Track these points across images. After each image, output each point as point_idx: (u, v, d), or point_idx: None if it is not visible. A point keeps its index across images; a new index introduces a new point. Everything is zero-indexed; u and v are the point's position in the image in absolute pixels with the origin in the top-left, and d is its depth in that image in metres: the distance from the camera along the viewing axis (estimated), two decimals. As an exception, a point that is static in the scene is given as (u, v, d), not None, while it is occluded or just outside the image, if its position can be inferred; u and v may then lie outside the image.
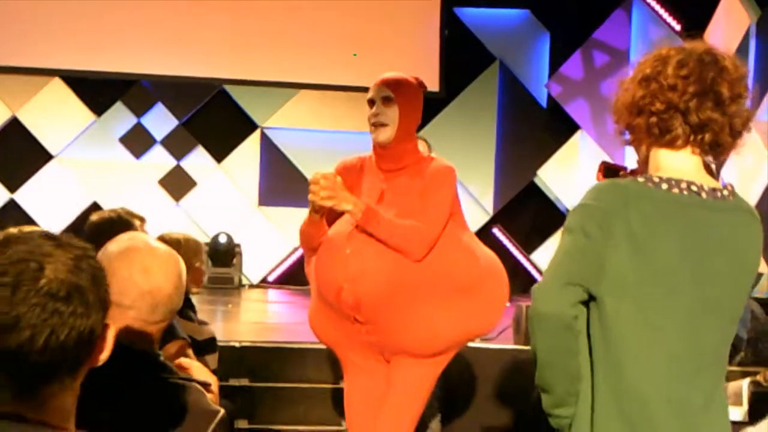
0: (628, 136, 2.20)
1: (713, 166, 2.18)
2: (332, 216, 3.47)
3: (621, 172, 2.49)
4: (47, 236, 1.40)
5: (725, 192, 2.12)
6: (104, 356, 1.42)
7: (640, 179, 2.08)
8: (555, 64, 11.14)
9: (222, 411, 1.98)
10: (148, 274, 1.95)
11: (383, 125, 3.43)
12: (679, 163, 2.11)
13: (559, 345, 2.05)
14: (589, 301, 2.07)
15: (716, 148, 2.11)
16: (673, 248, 2.04)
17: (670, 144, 2.10)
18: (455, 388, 6.11)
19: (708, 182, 2.11)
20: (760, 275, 8.80)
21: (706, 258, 2.07)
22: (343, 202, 3.31)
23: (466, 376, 6.16)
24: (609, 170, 2.50)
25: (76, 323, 1.35)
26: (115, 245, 2.00)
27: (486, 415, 6.09)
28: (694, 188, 2.07)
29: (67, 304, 1.34)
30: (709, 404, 2.09)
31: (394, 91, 3.48)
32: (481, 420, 6.07)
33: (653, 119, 2.09)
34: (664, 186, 2.06)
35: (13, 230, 3.31)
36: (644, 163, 2.17)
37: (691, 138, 2.08)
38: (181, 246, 3.65)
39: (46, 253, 1.36)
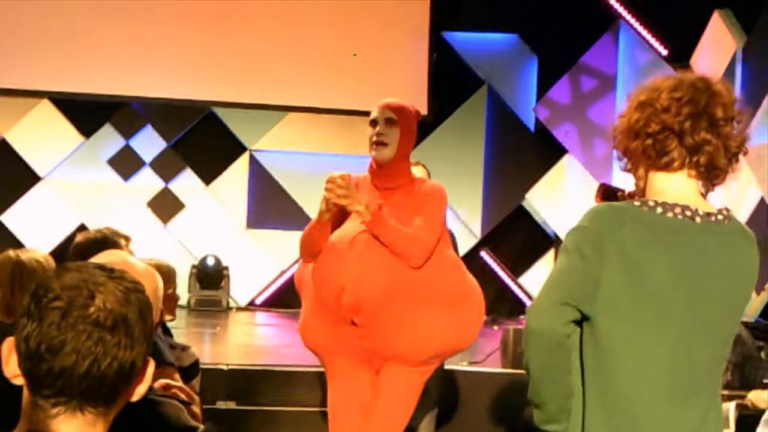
0: (625, 163, 2.25)
1: (703, 191, 2.23)
2: (334, 224, 3.66)
3: (619, 194, 2.59)
4: (102, 267, 1.44)
5: (720, 216, 2.16)
6: (142, 390, 1.45)
7: (636, 203, 2.13)
8: (543, 88, 11.19)
9: (201, 427, 1.98)
10: None
11: (384, 144, 3.68)
12: (675, 187, 2.15)
13: (551, 362, 2.10)
14: (583, 320, 2.12)
15: (712, 171, 2.15)
16: (667, 271, 2.08)
17: (667, 167, 2.14)
18: (444, 411, 6.10)
19: (703, 207, 2.15)
20: (746, 299, 8.82)
21: (700, 281, 2.11)
22: (356, 203, 3.53)
23: (454, 400, 6.15)
24: (608, 192, 2.57)
25: (118, 354, 1.38)
26: (95, 260, 2.01)
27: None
28: (688, 213, 2.11)
29: (112, 334, 1.38)
30: (703, 425, 2.12)
31: (396, 114, 3.74)
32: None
33: (649, 141, 2.13)
34: (659, 210, 2.10)
35: (11, 252, 3.31)
36: (642, 187, 2.21)
37: (687, 160, 2.13)
38: (162, 273, 3.64)
39: (98, 283, 1.40)
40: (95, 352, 1.36)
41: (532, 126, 11.35)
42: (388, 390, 3.61)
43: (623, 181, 2.44)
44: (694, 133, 2.11)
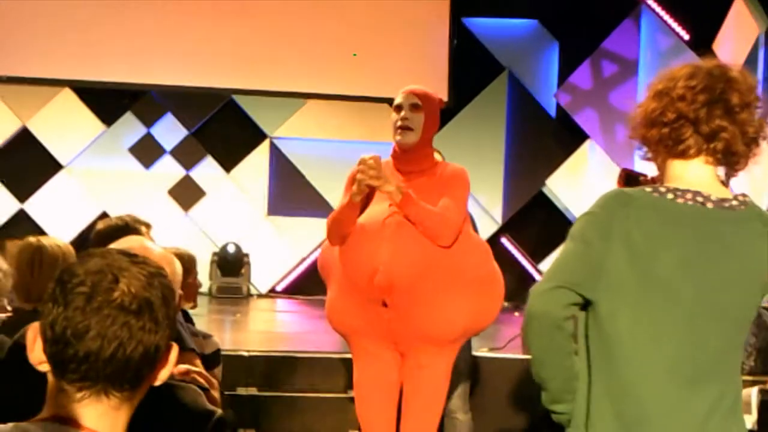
0: (645, 152, 2.27)
1: (724, 178, 2.23)
2: (360, 208, 3.76)
3: (641, 179, 2.68)
4: (125, 253, 1.46)
5: (735, 202, 2.15)
6: (165, 374, 1.46)
7: (648, 189, 2.15)
8: (564, 74, 11.14)
9: (219, 411, 1.99)
10: None
11: (410, 129, 3.76)
12: (692, 174, 2.16)
13: (550, 344, 2.15)
14: (587, 305, 2.15)
15: (730, 157, 2.16)
16: (674, 257, 2.10)
17: (683, 154, 2.15)
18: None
19: (717, 193, 2.14)
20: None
21: (710, 266, 2.11)
22: (387, 183, 3.63)
23: (475, 386, 6.15)
24: (630, 177, 2.67)
25: (143, 338, 1.39)
26: (114, 245, 2.02)
27: (496, 424, 6.07)
28: (699, 198, 2.12)
29: (137, 318, 1.39)
30: (714, 412, 2.11)
31: (421, 100, 3.83)
32: (491, 429, 6.06)
33: (665, 130, 2.15)
34: (669, 196, 2.12)
35: (31, 239, 3.33)
36: (661, 175, 2.23)
37: (704, 147, 2.14)
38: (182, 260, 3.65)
39: (122, 268, 1.42)
40: (120, 337, 1.37)
41: (553, 112, 11.30)
42: (422, 376, 3.73)
43: (645, 166, 2.45)
44: (710, 121, 2.12)
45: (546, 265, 11.08)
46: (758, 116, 2.18)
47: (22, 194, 10.70)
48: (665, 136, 2.16)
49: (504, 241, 11.18)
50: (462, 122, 11.09)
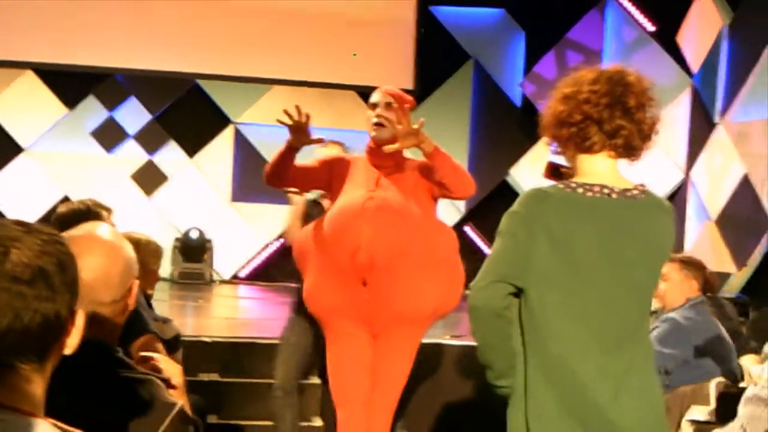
0: (555, 147, 2.59)
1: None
2: (334, 196, 4.06)
3: (563, 170, 2.81)
4: (18, 223, 1.42)
5: (635, 191, 2.48)
6: (73, 342, 1.42)
7: (560, 185, 2.46)
8: (529, 64, 11.19)
9: (180, 403, 1.97)
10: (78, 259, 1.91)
11: (384, 126, 3.99)
12: (597, 167, 2.49)
13: (492, 330, 2.46)
14: (519, 291, 2.45)
15: (629, 151, 2.49)
16: (589, 243, 2.41)
17: (589, 150, 2.47)
18: (427, 384, 6.13)
19: (620, 184, 2.47)
20: (728, 275, 8.89)
21: (621, 248, 2.44)
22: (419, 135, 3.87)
23: (437, 373, 6.17)
24: (554, 169, 2.84)
25: (40, 306, 1.36)
26: (66, 233, 1.99)
27: (459, 408, 6.11)
28: (605, 191, 2.44)
29: (30, 287, 1.35)
30: (631, 370, 2.44)
31: (395, 99, 4.06)
32: (454, 414, 6.09)
33: (573, 129, 2.46)
34: (580, 190, 2.43)
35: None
36: (572, 168, 2.55)
37: (607, 143, 2.46)
38: (141, 246, 3.64)
39: (13, 238, 1.38)
40: (15, 307, 1.34)
41: (518, 101, 11.35)
42: (391, 349, 3.99)
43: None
44: (611, 120, 2.43)
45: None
46: (651, 115, 2.49)
47: (-19, 177, 10.59)
48: (574, 134, 2.47)
49: (467, 230, 11.22)
50: (427, 110, 11.09)
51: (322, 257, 4.01)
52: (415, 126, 3.83)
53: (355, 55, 10.67)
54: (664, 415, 2.56)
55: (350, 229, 3.88)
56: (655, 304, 4.67)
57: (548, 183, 2.76)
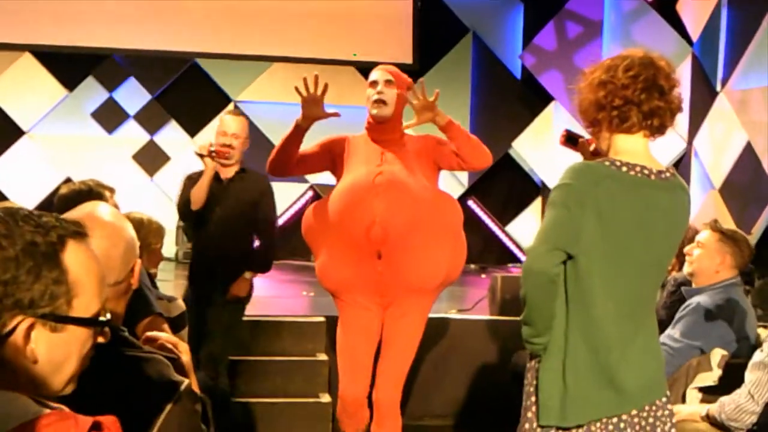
0: (592, 129, 2.80)
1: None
2: (339, 174, 4.24)
3: (580, 140, 3.15)
4: None
5: (667, 174, 2.74)
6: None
7: (606, 162, 2.69)
8: (528, 36, 11.14)
9: (186, 381, 1.97)
10: None
11: (384, 103, 4.16)
12: (633, 146, 2.72)
13: (543, 293, 2.68)
14: (568, 258, 2.67)
15: (661, 129, 2.73)
16: (629, 218, 2.67)
17: (628, 130, 2.71)
18: (434, 359, 6.15)
19: (656, 166, 2.73)
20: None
21: (652, 225, 2.70)
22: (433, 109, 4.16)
23: (444, 348, 6.19)
24: (570, 137, 3.14)
25: None
26: (66, 214, 1.99)
27: (464, 383, 6.14)
28: (645, 171, 2.69)
29: None
30: (638, 334, 2.76)
31: (394, 77, 4.24)
32: (460, 388, 6.12)
33: (614, 113, 2.69)
34: (624, 169, 2.67)
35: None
36: (606, 147, 2.77)
37: (644, 124, 2.69)
38: (143, 226, 3.66)
39: None
40: None
41: (518, 73, 11.31)
42: (404, 318, 4.19)
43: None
44: (650, 101, 2.67)
45: (512, 227, 11.15)
46: (678, 94, 2.73)
47: (-17, 161, 10.59)
48: (614, 117, 2.69)
49: (470, 203, 11.21)
50: (427, 85, 11.05)
51: (334, 233, 4.16)
52: (431, 99, 4.02)
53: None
54: (663, 374, 2.86)
55: (363, 205, 4.04)
56: (686, 268, 4.59)
57: (563, 151, 3.21)
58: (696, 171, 9.99)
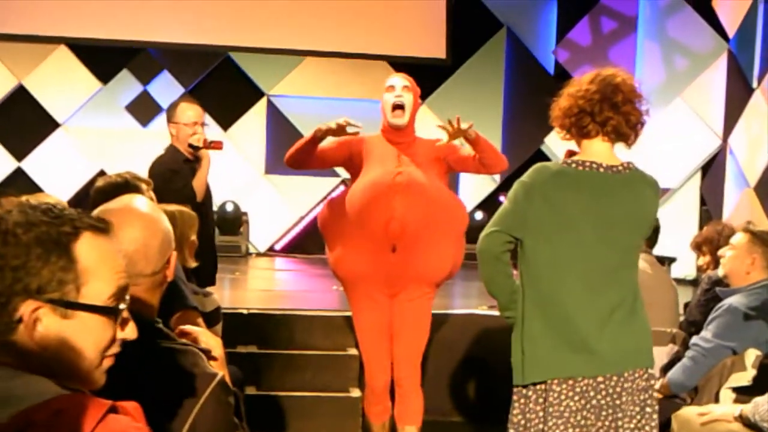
0: (563, 134, 3.28)
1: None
2: (355, 172, 4.58)
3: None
4: None
5: (620, 167, 3.19)
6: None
7: (560, 162, 3.23)
8: (562, 31, 11.07)
9: (220, 374, 1.97)
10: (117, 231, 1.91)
11: (402, 108, 4.51)
12: (594, 149, 3.20)
13: (493, 270, 3.23)
14: (518, 242, 3.18)
15: (619, 136, 3.18)
16: (577, 205, 3.12)
17: (587, 135, 3.20)
18: (464, 355, 6.14)
19: (609, 161, 3.18)
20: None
21: (603, 211, 3.14)
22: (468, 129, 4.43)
23: (473, 344, 6.18)
24: (572, 155, 3.48)
25: None
26: (104, 206, 2.00)
27: (497, 380, 6.12)
28: (594, 166, 3.15)
29: None
30: (616, 310, 3.15)
31: (410, 82, 4.61)
32: (492, 384, 6.10)
33: (573, 119, 3.19)
34: (573, 165, 3.16)
35: (23, 198, 3.32)
36: (578, 149, 3.25)
37: (600, 130, 3.16)
38: (177, 218, 3.65)
39: None
40: None
41: (551, 69, 11.24)
42: (414, 306, 4.53)
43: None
44: (601, 113, 3.14)
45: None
46: (641, 108, 3.18)
47: (19, 152, 10.67)
48: (573, 123, 3.19)
49: (502, 199, 11.17)
50: (460, 80, 11.05)
51: (353, 227, 4.49)
52: (464, 126, 4.34)
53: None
54: (645, 348, 3.22)
55: (383, 202, 4.38)
56: (720, 271, 4.58)
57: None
58: (731, 169, 9.90)
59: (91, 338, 1.50)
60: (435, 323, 6.03)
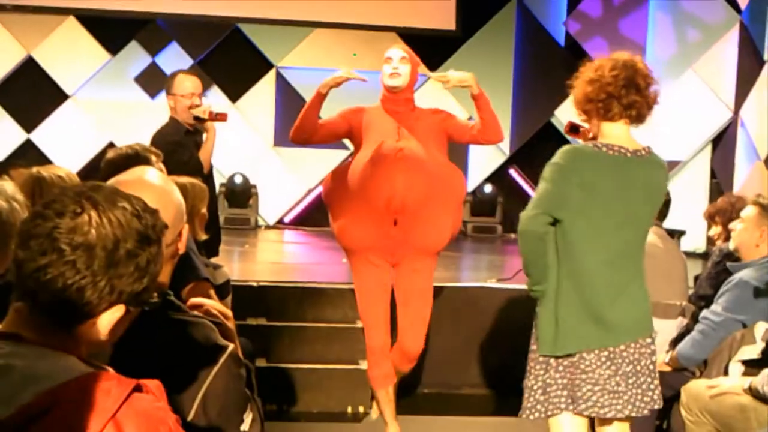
0: (582, 118, 3.54)
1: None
2: (356, 137, 4.74)
3: (581, 129, 3.89)
4: None
5: (642, 152, 3.47)
6: None
7: (590, 144, 3.44)
8: (573, 2, 10.99)
9: (231, 346, 1.98)
10: None
11: (399, 75, 4.66)
12: (615, 131, 3.44)
13: (534, 249, 3.42)
14: (556, 222, 3.39)
15: (639, 119, 3.44)
16: (608, 187, 3.39)
17: (611, 119, 3.42)
18: (473, 328, 6.15)
19: (632, 146, 3.45)
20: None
21: (629, 191, 3.42)
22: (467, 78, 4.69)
23: (482, 317, 6.19)
24: (573, 127, 3.96)
25: None
26: (115, 179, 1.99)
27: (502, 353, 6.13)
28: (622, 150, 3.41)
29: None
30: (630, 283, 3.46)
31: (408, 54, 4.75)
32: (499, 358, 6.12)
33: (600, 104, 3.40)
34: (604, 149, 3.40)
35: (33, 169, 3.30)
36: (596, 132, 3.49)
37: (624, 114, 3.40)
38: (188, 191, 3.64)
39: None
40: None
41: (562, 40, 11.18)
42: (417, 274, 4.72)
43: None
44: (628, 96, 3.37)
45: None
46: (654, 90, 3.43)
47: (28, 124, 10.67)
48: (599, 108, 3.40)
49: (512, 172, 11.15)
50: (469, 51, 10.99)
51: (355, 200, 4.64)
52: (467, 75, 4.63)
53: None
54: (649, 317, 3.52)
55: (385, 178, 4.50)
56: (731, 244, 4.58)
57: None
58: (742, 141, 9.85)
59: (116, 319, 1.52)
60: (444, 296, 6.06)
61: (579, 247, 3.38)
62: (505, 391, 6.08)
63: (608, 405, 3.38)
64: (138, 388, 1.43)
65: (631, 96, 3.36)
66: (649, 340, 3.48)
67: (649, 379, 3.46)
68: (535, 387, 3.48)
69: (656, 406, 3.53)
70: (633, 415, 3.46)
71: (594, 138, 3.52)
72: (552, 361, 3.43)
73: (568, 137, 4.31)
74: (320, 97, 4.68)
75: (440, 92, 10.08)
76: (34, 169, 3.40)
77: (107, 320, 1.48)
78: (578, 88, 3.46)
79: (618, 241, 3.42)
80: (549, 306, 3.42)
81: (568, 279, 3.39)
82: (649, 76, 3.43)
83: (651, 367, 3.48)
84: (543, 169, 3.43)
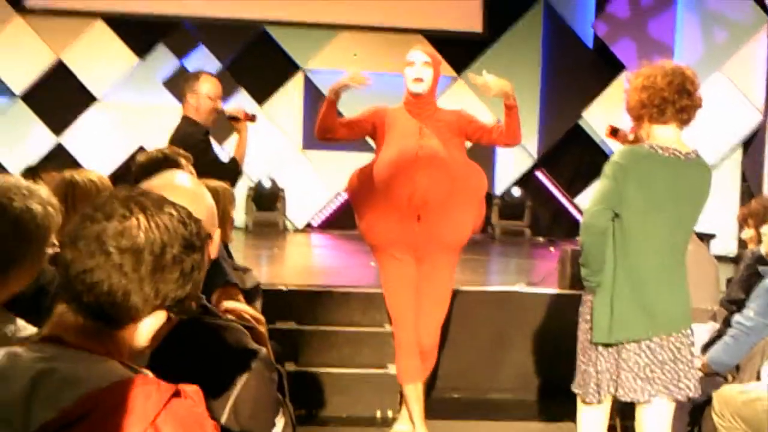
0: (634, 122, 3.76)
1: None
2: (379, 143, 4.83)
3: (620, 132, 4.34)
4: None
5: (693, 155, 3.70)
6: None
7: (646, 146, 3.65)
8: (601, 4, 10.94)
9: (263, 350, 1.98)
10: None
11: (421, 80, 4.74)
12: (667, 134, 3.67)
13: (596, 242, 3.64)
14: (614, 217, 3.62)
15: (689, 122, 3.69)
16: (663, 187, 3.63)
17: (664, 122, 3.65)
18: (500, 333, 6.13)
19: (684, 149, 3.67)
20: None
21: (681, 192, 3.66)
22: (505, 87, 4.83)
23: (511, 321, 6.17)
24: (614, 130, 4.36)
25: None
26: (147, 183, 2.00)
27: (532, 358, 6.10)
28: (676, 153, 3.65)
29: None
30: (677, 280, 3.70)
31: (431, 57, 4.82)
32: (527, 362, 6.09)
33: (654, 110, 3.62)
34: (660, 151, 3.63)
35: (66, 174, 3.32)
36: (647, 136, 3.70)
37: (676, 117, 3.63)
38: (219, 195, 3.65)
39: None
40: None
41: (590, 42, 11.13)
42: (438, 271, 4.83)
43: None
44: (681, 101, 3.61)
45: (581, 198, 11.02)
46: (699, 94, 3.66)
47: (58, 127, 10.75)
48: (654, 112, 3.62)
49: (539, 175, 11.11)
50: (496, 53, 10.96)
51: (380, 197, 4.78)
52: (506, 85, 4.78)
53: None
54: (689, 310, 3.73)
55: (407, 176, 4.66)
56: (763, 248, 4.59)
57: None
58: (772, 144, 9.76)
59: (158, 325, 1.54)
60: (472, 299, 6.04)
61: (633, 243, 3.61)
62: (532, 396, 6.06)
63: (641, 390, 3.64)
64: (177, 394, 1.44)
65: (683, 100, 3.60)
66: (689, 331, 3.71)
67: (686, 368, 3.67)
68: (590, 371, 3.73)
69: (692, 394, 3.71)
70: (667, 400, 3.68)
71: (635, 141, 3.80)
72: (601, 348, 3.69)
73: (607, 140, 4.69)
74: (331, 103, 4.83)
75: (466, 93, 10.07)
76: (67, 174, 3.41)
77: (149, 326, 1.49)
78: (631, 96, 3.69)
79: (669, 239, 3.66)
80: (605, 297, 3.65)
81: (623, 273, 3.63)
82: (696, 81, 3.67)
83: (689, 356, 3.70)
84: (604, 168, 3.65)
